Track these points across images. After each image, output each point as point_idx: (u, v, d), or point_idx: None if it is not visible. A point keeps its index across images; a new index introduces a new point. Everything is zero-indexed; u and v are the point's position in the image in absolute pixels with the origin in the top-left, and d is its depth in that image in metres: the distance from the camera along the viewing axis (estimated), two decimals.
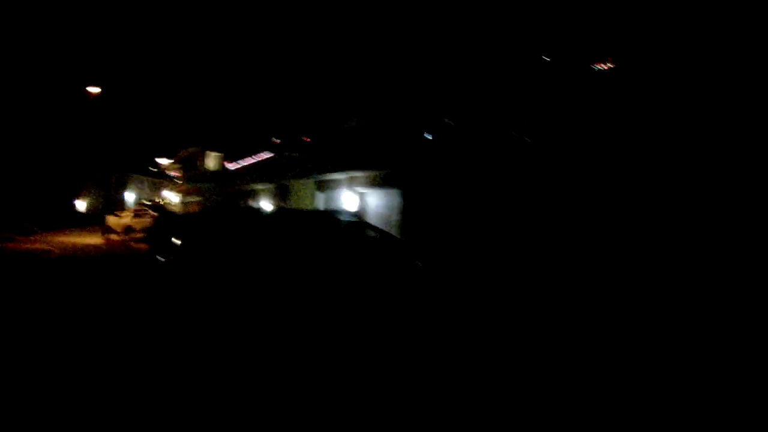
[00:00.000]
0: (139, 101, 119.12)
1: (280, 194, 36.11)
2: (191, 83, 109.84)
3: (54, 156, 76.97)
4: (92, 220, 62.69)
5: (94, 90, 42.03)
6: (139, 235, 42.69)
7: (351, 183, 28.44)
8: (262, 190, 38.79)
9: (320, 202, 31.79)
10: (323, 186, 31.20)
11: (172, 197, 65.96)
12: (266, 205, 36.98)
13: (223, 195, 47.62)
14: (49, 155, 76.51)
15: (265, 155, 39.17)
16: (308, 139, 35.19)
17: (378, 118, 27.33)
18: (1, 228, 50.62)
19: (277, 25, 48.42)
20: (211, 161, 50.76)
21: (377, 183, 26.37)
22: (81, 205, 79.01)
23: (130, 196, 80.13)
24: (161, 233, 32.28)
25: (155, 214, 46.60)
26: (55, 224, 56.63)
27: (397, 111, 25.65)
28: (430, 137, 23.51)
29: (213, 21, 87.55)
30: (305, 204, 33.66)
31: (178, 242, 17.24)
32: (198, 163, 52.16)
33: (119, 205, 68.84)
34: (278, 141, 37.68)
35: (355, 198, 28.14)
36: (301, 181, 33.71)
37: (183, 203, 58.51)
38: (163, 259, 17.93)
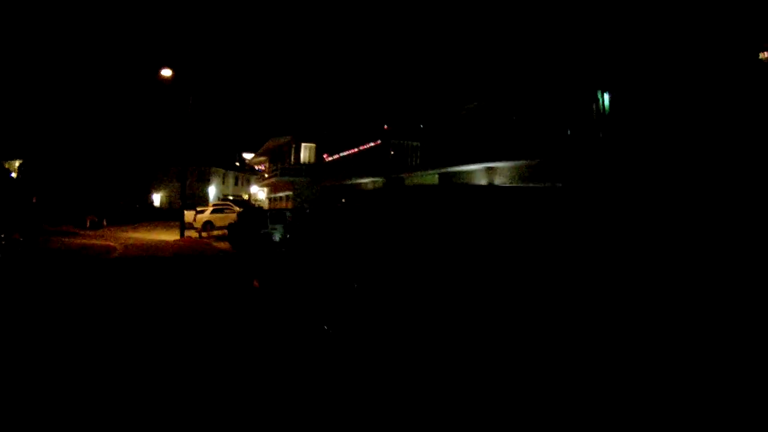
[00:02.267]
0: (223, 89, 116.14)
1: (392, 189, 30.07)
2: (280, 67, 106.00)
3: (128, 146, 74.66)
4: (168, 215, 60.54)
5: (167, 73, 38.29)
6: (219, 233, 39.58)
7: (488, 176, 23.44)
8: (367, 185, 32.74)
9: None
10: (450, 179, 26.01)
11: (258, 192, 61.43)
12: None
13: (319, 190, 42.24)
14: (124, 145, 74.30)
15: (369, 145, 33.47)
16: (423, 125, 30.21)
17: (523, 93, 22.50)
18: (61, 220, 49.02)
19: None
20: (304, 153, 45.85)
21: (524, 176, 21.46)
22: (156, 198, 76.29)
23: (211, 191, 77.15)
24: (248, 230, 27.74)
25: (238, 209, 42.15)
26: (125, 218, 54.24)
27: (552, 81, 20.66)
28: (604, 112, 18.25)
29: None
30: None
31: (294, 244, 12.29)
32: (288, 155, 47.42)
33: (200, 200, 66.13)
34: (387, 128, 31.85)
35: None
36: (419, 174, 28.33)
37: (270, 198, 53.65)
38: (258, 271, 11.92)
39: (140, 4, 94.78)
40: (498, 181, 22.46)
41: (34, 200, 46.99)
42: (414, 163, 29.37)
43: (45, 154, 62.57)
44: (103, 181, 67.37)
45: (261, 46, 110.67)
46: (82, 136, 68.98)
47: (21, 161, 62.33)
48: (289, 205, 43.33)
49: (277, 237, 25.64)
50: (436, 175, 26.60)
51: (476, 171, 23.76)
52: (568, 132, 19.42)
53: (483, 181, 23.06)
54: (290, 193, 44.32)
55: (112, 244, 31.18)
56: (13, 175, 53.56)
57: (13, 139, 56.75)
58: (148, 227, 48.78)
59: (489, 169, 22.98)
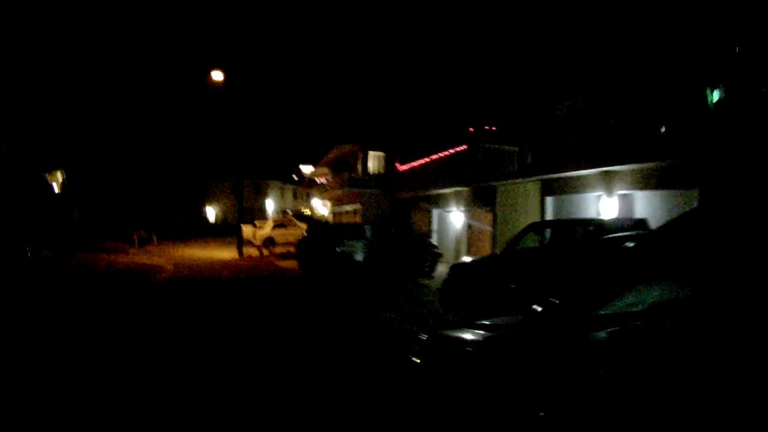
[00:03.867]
0: (280, 96, 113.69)
1: (479, 199, 26.40)
2: (343, 69, 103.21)
3: (181, 158, 72.74)
4: (222, 230, 58.71)
5: (218, 77, 36.18)
6: (282, 250, 36.75)
7: (604, 182, 19.89)
8: (449, 196, 28.99)
9: (549, 208, 23.14)
10: (554, 187, 22.61)
11: (319, 206, 58.08)
12: (462, 214, 27.55)
13: (390, 202, 39.13)
14: (176, 157, 72.36)
15: (450, 151, 30.01)
16: (521, 126, 26.87)
17: (652, 82, 19.27)
18: (108, 236, 47.29)
19: None
20: (372, 162, 42.51)
21: (651, 181, 18.17)
22: (210, 213, 74.25)
23: (269, 205, 74.44)
24: (322, 248, 24.05)
25: (302, 224, 39.12)
26: (177, 233, 52.65)
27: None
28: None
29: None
30: (522, 212, 24.79)
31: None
32: (354, 165, 43.67)
33: (256, 215, 63.15)
34: (474, 131, 28.20)
35: (612, 203, 19.29)
36: (517, 182, 24.85)
37: (335, 213, 50.21)
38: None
39: (196, 5, 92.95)
40: (617, 187, 19.10)
41: (75, 214, 44.60)
42: (510, 169, 26.00)
43: (91, 166, 60.40)
44: (153, 194, 65.52)
45: (322, 47, 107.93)
46: (132, 146, 66.89)
47: (64, 173, 60.11)
48: (357, 219, 40.33)
49: (359, 256, 22.06)
50: (538, 182, 23.12)
51: (589, 176, 20.37)
52: (718, 126, 16.19)
53: (598, 188, 19.78)
54: (357, 206, 41.20)
55: (160, 263, 28.38)
56: (56, 187, 51.40)
57: (57, 150, 54.81)
58: (202, 244, 46.91)
59: (606, 173, 19.52)
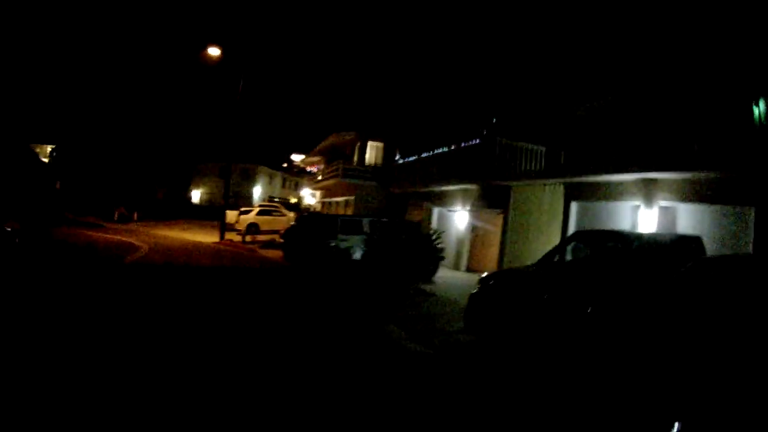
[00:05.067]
0: (275, 80, 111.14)
1: (489, 199, 24.38)
2: (342, 53, 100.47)
3: (169, 136, 71.01)
4: (207, 213, 55.99)
5: (215, 52, 33.90)
6: (265, 238, 34.56)
7: (642, 191, 17.30)
8: (454, 193, 26.80)
9: (573, 216, 20.32)
10: (582, 192, 19.84)
11: (308, 196, 55.71)
12: (463, 214, 25.19)
13: (386, 196, 36.74)
14: (164, 134, 70.62)
15: (461, 145, 27.32)
16: (545, 123, 24.05)
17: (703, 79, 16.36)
18: (89, 211, 45.93)
19: None
20: (370, 153, 40.13)
21: (700, 192, 15.62)
22: (196, 195, 72.15)
23: (256, 191, 72.49)
24: (312, 240, 21.20)
25: (289, 213, 38.84)
26: (160, 213, 51.11)
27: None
28: None
29: None
30: (540, 216, 22.59)
31: None
32: (351, 155, 41.66)
33: (243, 200, 62.07)
34: (490, 126, 25.87)
35: (651, 215, 16.73)
36: (536, 183, 22.45)
37: (324, 203, 47.61)
38: None
39: None
40: (659, 197, 16.63)
41: (57, 186, 42.62)
42: (529, 167, 23.14)
43: (79, 140, 58.27)
44: (138, 172, 63.15)
45: (324, 27, 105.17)
46: (121, 122, 64.51)
47: (53, 146, 57.84)
48: (349, 211, 37.76)
49: (357, 253, 19.33)
50: (561, 186, 20.76)
51: (625, 183, 17.86)
52: None
53: (635, 196, 17.32)
54: (351, 197, 38.65)
55: (136, 242, 26.12)
56: (43, 159, 49.63)
57: (48, 123, 52.48)
58: (184, 225, 44.65)
59: (647, 181, 17.04)
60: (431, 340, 10.44)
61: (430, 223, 29.01)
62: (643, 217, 16.82)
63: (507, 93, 29.89)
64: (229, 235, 34.18)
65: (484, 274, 11.37)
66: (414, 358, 9.14)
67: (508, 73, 31.59)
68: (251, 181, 73.69)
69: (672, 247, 10.99)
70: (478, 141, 25.53)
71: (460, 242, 25.37)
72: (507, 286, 10.91)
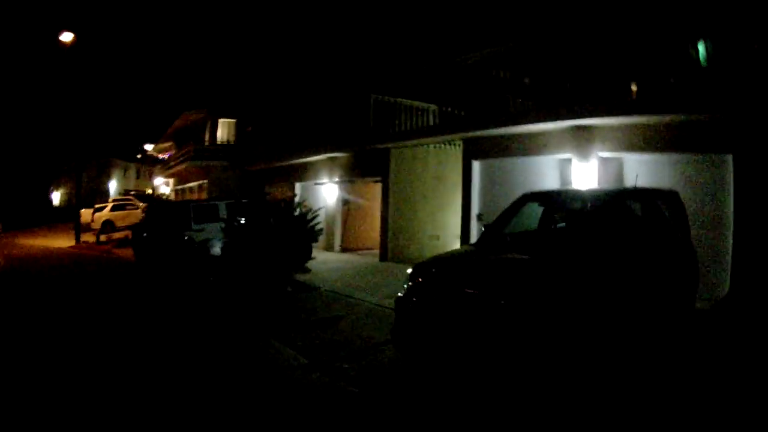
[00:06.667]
0: (124, 68, 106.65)
1: (364, 167, 21.83)
2: (183, 32, 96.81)
3: (25, 141, 68.14)
4: (68, 215, 51.79)
5: (67, 37, 31.10)
6: (121, 235, 32.20)
7: (577, 140, 14.29)
8: (319, 164, 24.56)
9: (477, 176, 17.49)
10: (485, 149, 17.02)
11: (161, 184, 53.65)
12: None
13: (242, 175, 34.17)
14: (20, 140, 67.74)
15: (321, 109, 25.48)
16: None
17: None
18: None
19: None
20: (222, 130, 37.62)
21: (658, 140, 12.99)
22: (56, 197, 68.99)
23: (112, 186, 69.68)
24: (162, 234, 18.53)
25: (143, 204, 36.95)
26: (25, 221, 49.68)
27: None
28: None
29: None
30: (432, 183, 20.75)
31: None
32: (202, 135, 38.99)
33: (101, 197, 57.53)
34: (363, 81, 24.54)
35: (590, 168, 13.96)
36: (426, 142, 19.97)
37: (177, 191, 45.88)
38: None
39: None
40: (596, 147, 13.94)
41: None
42: (415, 127, 20.74)
43: None
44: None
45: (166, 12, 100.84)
46: None
47: None
48: (203, 196, 35.30)
49: (216, 247, 16.88)
50: (459, 144, 18.19)
51: (549, 133, 14.96)
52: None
53: (562, 148, 14.55)
54: (204, 181, 36.22)
55: None
56: None
57: None
58: (45, 231, 42.56)
59: (579, 129, 14.21)
60: (341, 364, 7.50)
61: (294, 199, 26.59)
62: (577, 171, 14.27)
63: (380, 46, 28.62)
64: (86, 237, 31.59)
65: (409, 270, 7.57)
66: (330, 406, 6.27)
67: (378, 23, 30.37)
68: (107, 176, 70.73)
69: (652, 204, 9.50)
70: (347, 102, 23.56)
71: (331, 219, 22.89)
72: (448, 278, 7.28)
